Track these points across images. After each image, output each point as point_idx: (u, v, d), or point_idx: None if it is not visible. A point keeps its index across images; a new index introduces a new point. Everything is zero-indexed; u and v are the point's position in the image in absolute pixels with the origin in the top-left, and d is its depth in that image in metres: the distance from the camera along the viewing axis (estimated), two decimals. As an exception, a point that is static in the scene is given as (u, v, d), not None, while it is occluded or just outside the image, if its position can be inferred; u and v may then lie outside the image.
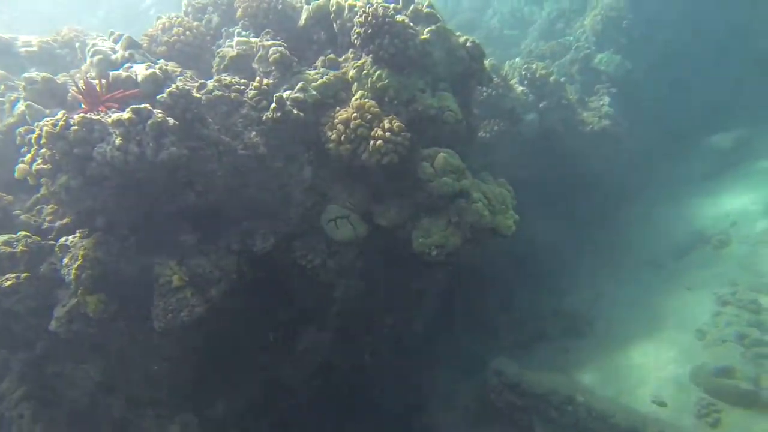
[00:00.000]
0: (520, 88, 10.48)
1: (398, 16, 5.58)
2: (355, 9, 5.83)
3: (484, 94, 9.64)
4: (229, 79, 5.52)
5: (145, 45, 5.91)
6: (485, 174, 6.30)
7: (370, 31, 5.37)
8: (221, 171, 5.09)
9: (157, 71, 4.57)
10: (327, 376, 7.35)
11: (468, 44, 6.24)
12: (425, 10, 5.93)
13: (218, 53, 5.89)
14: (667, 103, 13.88)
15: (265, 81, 5.57)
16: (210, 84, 5.31)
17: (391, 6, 5.97)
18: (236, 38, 6.25)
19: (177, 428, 5.29)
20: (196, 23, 6.22)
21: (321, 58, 6.12)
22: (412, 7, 5.92)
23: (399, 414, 8.99)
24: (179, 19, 6.02)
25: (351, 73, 5.75)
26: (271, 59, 5.71)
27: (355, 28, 5.54)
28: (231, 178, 5.23)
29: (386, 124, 5.24)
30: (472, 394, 8.89)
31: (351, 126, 5.28)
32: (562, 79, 11.72)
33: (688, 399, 7.67)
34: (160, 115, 4.19)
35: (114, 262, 4.27)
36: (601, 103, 11.08)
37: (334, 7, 6.06)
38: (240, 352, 6.11)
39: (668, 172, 13.67)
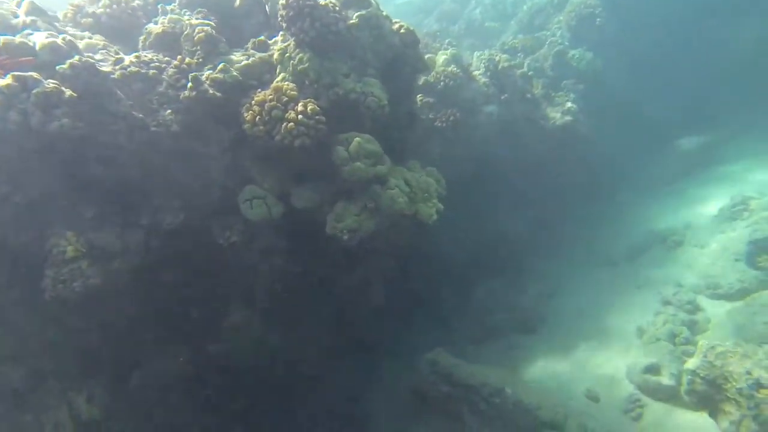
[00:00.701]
0: (483, 80, 10.43)
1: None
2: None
3: (441, 83, 9.60)
4: (149, 55, 5.50)
5: (69, 15, 5.89)
6: (413, 162, 6.29)
7: (291, 13, 5.34)
8: (133, 147, 5.10)
9: (59, 41, 4.56)
10: (260, 357, 7.38)
11: (402, 31, 6.21)
12: (356, -5, 5.90)
13: (146, 29, 5.87)
14: (638, 104, 13.84)
15: (187, 60, 5.55)
16: (127, 60, 5.30)
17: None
18: (169, 15, 6.22)
19: (82, 400, 5.34)
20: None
21: (252, 40, 6.09)
22: (343, -9, 5.88)
23: (338, 402, 9.05)
24: (109, -8, 5.99)
25: (275, 56, 5.73)
26: (196, 38, 5.69)
27: (279, 10, 5.51)
28: (145, 154, 5.24)
29: (300, 107, 5.23)
30: (410, 384, 8.96)
31: (266, 107, 5.27)
32: (530, 73, 11.67)
33: (620, 394, 7.81)
34: (51, 85, 4.19)
35: (3, 230, 4.30)
36: (566, 99, 11.02)
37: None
38: (160, 326, 6.16)
39: (635, 173, 13.68)
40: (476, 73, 10.62)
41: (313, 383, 8.73)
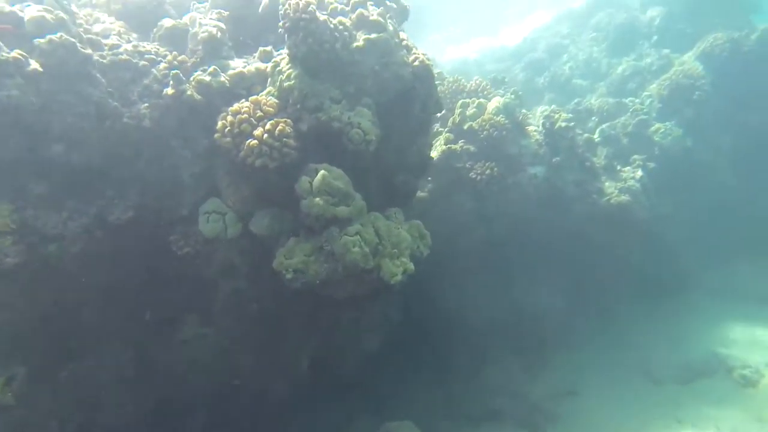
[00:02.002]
0: (537, 137, 9.55)
1: (324, 15, 5.21)
2: (297, 2, 5.59)
3: (485, 132, 8.89)
4: (148, 47, 5.50)
5: (102, 1, 6.10)
6: (395, 210, 5.66)
7: (288, 24, 5.07)
8: (100, 133, 5.04)
9: (47, 15, 4.63)
10: (215, 379, 7.00)
11: (416, 63, 5.70)
12: (373, 17, 5.49)
13: (160, 22, 5.92)
14: (738, 197, 12.03)
15: (180, 57, 5.48)
16: (123, 47, 5.32)
17: (332, 7, 5.61)
18: (190, 13, 6.27)
19: (1, 380, 5.25)
20: (160, -11, 6.30)
21: (261, 48, 5.91)
22: (358, 11, 5.49)
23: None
24: (139, -18, 6.15)
25: (269, 68, 5.48)
26: (199, 38, 5.62)
27: (281, 19, 5.26)
28: (112, 144, 5.17)
29: (268, 126, 4.89)
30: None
31: (237, 119, 5.00)
32: (597, 140, 10.55)
33: None
34: (14, 53, 4.22)
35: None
36: (632, 175, 9.75)
37: (283, -3, 5.84)
38: (105, 321, 6.00)
39: (716, 279, 11.75)
40: (532, 128, 9.76)
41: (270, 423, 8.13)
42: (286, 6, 5.08)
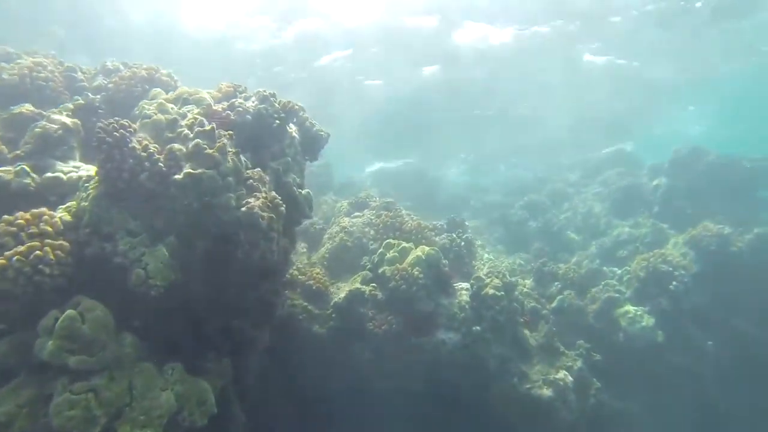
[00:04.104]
0: (464, 298, 8.78)
1: (139, 141, 5.04)
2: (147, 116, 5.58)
3: (393, 283, 8.26)
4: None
5: None
6: (174, 367, 5.00)
7: (95, 143, 4.93)
8: None
9: None
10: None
11: (243, 209, 5.34)
12: (208, 150, 5.27)
13: (13, 107, 6.00)
14: (727, 417, 10.51)
15: (2, 147, 5.44)
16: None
17: (180, 131, 5.49)
18: (69, 104, 6.42)
19: None
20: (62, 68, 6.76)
21: (105, 155, 5.81)
22: (195, 141, 5.32)
23: None
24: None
25: (83, 180, 5.30)
26: (34, 131, 5.61)
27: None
28: None
29: (24, 248, 4.56)
30: None
31: (4, 229, 4.71)
32: (544, 312, 9.60)
33: None
34: None
35: None
36: (569, 364, 8.64)
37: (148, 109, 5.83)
38: None
39: None
40: (462, 287, 9.04)
41: None
42: (102, 123, 4.97)
